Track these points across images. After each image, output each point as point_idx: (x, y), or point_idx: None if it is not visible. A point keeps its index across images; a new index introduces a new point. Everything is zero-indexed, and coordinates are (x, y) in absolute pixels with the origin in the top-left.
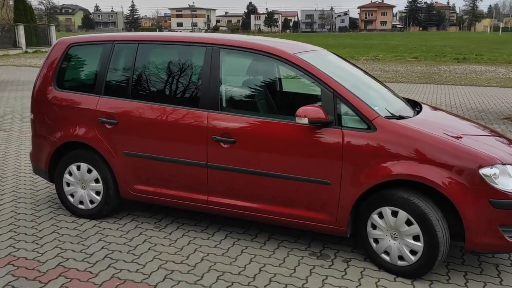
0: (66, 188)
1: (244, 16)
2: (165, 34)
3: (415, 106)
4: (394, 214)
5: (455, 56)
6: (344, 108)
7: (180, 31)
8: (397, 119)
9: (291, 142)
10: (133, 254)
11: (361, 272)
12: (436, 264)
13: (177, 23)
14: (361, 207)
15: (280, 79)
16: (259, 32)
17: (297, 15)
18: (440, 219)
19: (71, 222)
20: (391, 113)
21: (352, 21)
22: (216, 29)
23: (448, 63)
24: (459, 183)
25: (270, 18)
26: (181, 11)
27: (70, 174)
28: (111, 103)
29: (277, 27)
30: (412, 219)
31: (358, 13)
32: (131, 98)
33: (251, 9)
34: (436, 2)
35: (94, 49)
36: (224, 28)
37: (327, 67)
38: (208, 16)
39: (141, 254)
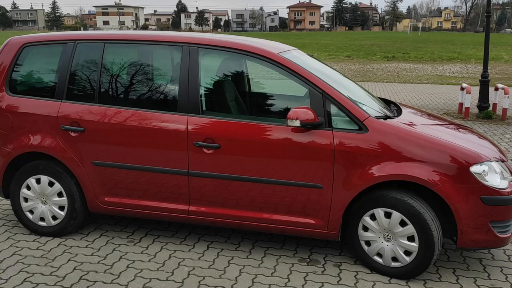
0: (24, 204)
1: (174, 15)
2: (135, 32)
3: (390, 105)
4: (387, 215)
5: (385, 55)
6: (334, 109)
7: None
8: (385, 119)
9: (279, 145)
10: (111, 273)
11: (355, 276)
12: (431, 263)
13: (103, 21)
14: (351, 210)
15: (250, 80)
16: (191, 31)
17: (228, 14)
18: (434, 218)
19: (32, 242)
20: (378, 113)
21: (282, 21)
22: (145, 28)
23: (379, 62)
24: (451, 181)
25: (201, 17)
26: (107, 8)
27: (28, 188)
28: (75, 109)
29: (208, 26)
30: (407, 220)
31: (288, 13)
32: (99, 103)
33: (181, 8)
34: (360, 3)
35: (52, 50)
36: (154, 27)
37: (308, 67)
38: (136, 14)
39: (120, 273)
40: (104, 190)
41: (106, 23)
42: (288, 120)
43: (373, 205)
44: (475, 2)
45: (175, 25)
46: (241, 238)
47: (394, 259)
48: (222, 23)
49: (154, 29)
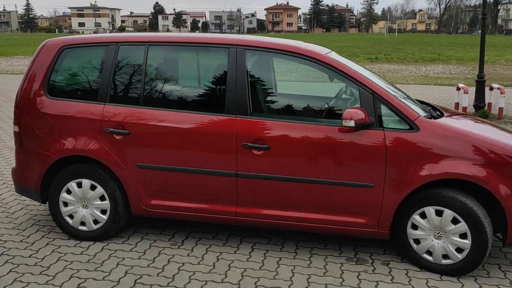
0: (63, 209)
1: (151, 17)
2: (179, 35)
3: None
4: (438, 213)
5: (368, 56)
6: (384, 109)
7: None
8: (434, 118)
9: (329, 145)
10: (164, 276)
11: (406, 274)
12: (484, 260)
13: (79, 23)
14: (401, 208)
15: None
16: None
17: (205, 16)
18: (485, 215)
19: (74, 247)
20: (425, 113)
21: (260, 22)
22: (122, 30)
23: (363, 63)
24: (502, 179)
25: (179, 18)
26: (82, 10)
27: (69, 192)
28: (119, 112)
29: (186, 27)
30: (459, 217)
31: (265, 15)
32: (144, 105)
33: (158, 9)
34: (337, 5)
35: (92, 52)
36: (131, 29)
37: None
38: (112, 16)
39: (174, 275)
40: (148, 193)
41: (81, 24)
42: (343, 121)
43: (423, 204)
44: (448, 4)
45: (153, 26)
46: (282, 239)
47: (445, 256)
48: (200, 24)
49: (131, 31)
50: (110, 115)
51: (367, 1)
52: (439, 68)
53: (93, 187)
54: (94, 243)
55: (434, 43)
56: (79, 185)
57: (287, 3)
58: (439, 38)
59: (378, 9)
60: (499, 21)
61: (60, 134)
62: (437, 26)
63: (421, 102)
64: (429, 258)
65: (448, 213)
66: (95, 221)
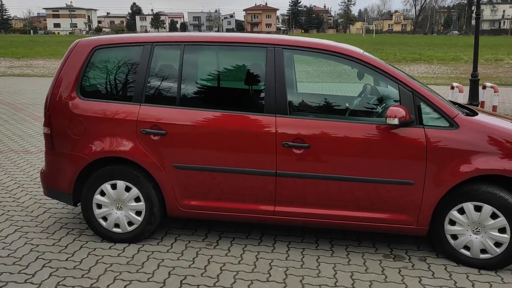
0: (96, 211)
1: (128, 17)
2: (215, 34)
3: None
4: (477, 208)
5: None
6: (424, 107)
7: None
8: (471, 116)
9: (370, 143)
10: (209, 277)
11: (445, 269)
12: None
13: (54, 23)
14: (439, 205)
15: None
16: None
17: (183, 17)
18: None
19: (109, 249)
20: (461, 111)
21: (239, 23)
22: (98, 30)
23: None
24: None
25: (157, 19)
26: (58, 11)
27: (103, 194)
28: (156, 112)
29: (164, 28)
30: (498, 212)
31: (244, 16)
32: (181, 106)
33: (136, 10)
34: (315, 6)
35: (126, 52)
36: (108, 30)
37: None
38: (88, 16)
39: (217, 275)
40: (185, 194)
41: (57, 25)
42: (387, 119)
43: (462, 200)
44: (423, 6)
45: (130, 27)
46: (316, 237)
47: (483, 251)
48: (178, 25)
49: (108, 32)
50: (146, 116)
51: (344, 2)
52: (422, 68)
53: (127, 189)
54: (129, 245)
55: (412, 44)
56: (114, 186)
57: (266, 4)
58: (415, 38)
59: (355, 10)
60: (473, 22)
61: (94, 135)
62: (412, 27)
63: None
64: (467, 253)
65: (488, 209)
66: (130, 223)
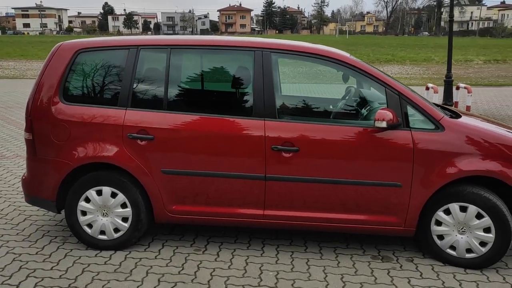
0: (81, 218)
1: (100, 17)
2: (202, 38)
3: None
4: (463, 209)
5: None
6: (410, 110)
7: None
8: (455, 118)
9: (358, 146)
10: (200, 283)
11: (432, 269)
12: (506, 252)
13: (23, 23)
14: (426, 206)
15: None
16: (119, 33)
17: (156, 17)
18: (507, 209)
19: (95, 257)
20: (446, 113)
21: (213, 24)
22: (69, 31)
23: None
24: None
25: (130, 19)
26: (27, 10)
27: (88, 201)
28: (143, 116)
29: (138, 28)
30: (483, 212)
31: (218, 16)
32: (168, 110)
33: (108, 10)
34: (289, 7)
35: (111, 56)
36: (79, 30)
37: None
38: (59, 16)
39: (209, 281)
40: (173, 199)
41: (26, 25)
42: (375, 122)
43: (448, 200)
44: (395, 7)
45: (102, 27)
46: (304, 240)
47: (468, 250)
48: (152, 25)
49: (79, 32)
50: (132, 120)
51: (318, 4)
52: (395, 68)
53: (113, 195)
54: (115, 252)
55: (384, 44)
56: (99, 193)
57: (240, 4)
58: (387, 39)
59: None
60: (442, 23)
61: (79, 140)
62: (384, 28)
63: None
64: (453, 253)
65: (473, 209)
66: (116, 230)
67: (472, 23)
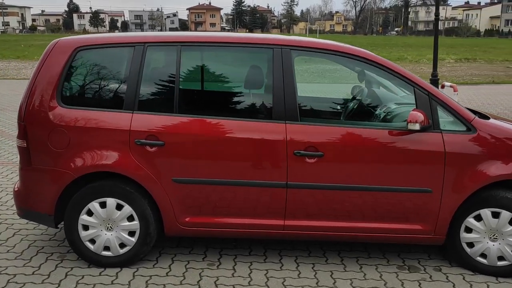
0: (83, 233)
1: (65, 15)
2: (215, 34)
3: None
4: (495, 215)
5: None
6: (440, 111)
7: None
8: (486, 119)
9: (386, 150)
10: None
11: (464, 279)
12: None
13: None
14: (456, 212)
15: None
16: (85, 32)
17: (123, 15)
18: None
19: (100, 275)
20: (477, 114)
21: (182, 23)
22: (33, 29)
23: (297, 63)
24: None
25: (96, 17)
26: None
27: (90, 214)
28: (151, 121)
29: (104, 27)
30: None
31: (188, 15)
32: (179, 113)
33: (73, 8)
34: (258, 6)
35: (114, 54)
36: (43, 28)
37: None
38: (22, 14)
39: None
40: (185, 210)
41: None
42: (409, 124)
43: (479, 206)
44: (363, 7)
45: (67, 26)
46: (323, 250)
47: (500, 258)
48: (119, 24)
49: (43, 31)
50: (140, 125)
51: (287, 3)
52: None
53: (119, 207)
54: (121, 270)
55: (355, 44)
56: (103, 205)
57: (209, 3)
58: (357, 38)
59: (297, 11)
60: (409, 23)
61: (80, 148)
62: (353, 28)
63: None
64: (483, 261)
65: (506, 215)
66: (122, 245)
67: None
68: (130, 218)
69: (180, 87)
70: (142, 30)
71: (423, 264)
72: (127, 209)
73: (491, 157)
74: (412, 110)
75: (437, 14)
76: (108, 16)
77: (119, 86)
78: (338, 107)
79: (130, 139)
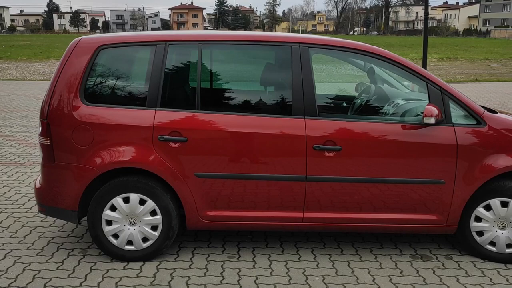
0: (106, 228)
1: (45, 15)
2: (235, 32)
3: None
4: (504, 204)
5: None
6: (452, 105)
7: None
8: (494, 113)
9: (402, 143)
10: None
11: (475, 266)
12: None
13: None
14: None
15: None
16: (65, 32)
17: (104, 15)
18: None
19: (124, 269)
20: (485, 108)
21: (165, 22)
22: (12, 30)
23: None
24: None
25: (76, 17)
26: None
27: (113, 209)
28: (174, 117)
29: (85, 27)
30: None
31: (170, 15)
32: (201, 109)
33: (53, 8)
34: (241, 5)
35: (136, 52)
36: (22, 29)
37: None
38: (0, 15)
39: None
40: (207, 204)
41: None
42: (424, 118)
43: (489, 196)
44: (344, 7)
45: (47, 26)
46: (336, 242)
47: (509, 245)
48: (100, 24)
49: (23, 31)
50: (163, 122)
51: (270, 3)
52: (345, 65)
53: (142, 202)
54: (144, 263)
55: None
56: (126, 200)
57: (192, 3)
58: (340, 38)
59: (279, 11)
60: (390, 22)
61: (104, 144)
62: (335, 28)
63: None
64: (493, 248)
65: None
66: (144, 239)
67: (417, 23)
68: (153, 213)
69: (202, 84)
70: (124, 30)
71: (435, 253)
72: (150, 204)
73: (500, 149)
74: (427, 105)
75: (426, 13)
76: (89, 16)
77: (142, 83)
78: (351, 103)
79: (154, 136)
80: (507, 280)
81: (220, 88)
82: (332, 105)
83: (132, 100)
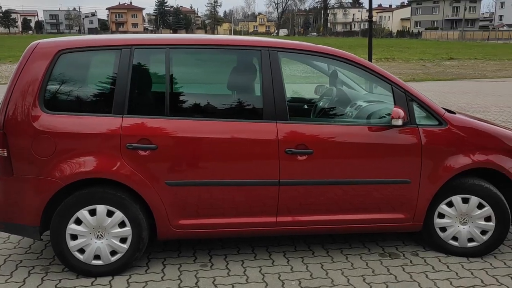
0: (71, 243)
1: None
2: (203, 36)
3: None
4: (465, 200)
5: None
6: (415, 107)
7: None
8: (453, 114)
9: (370, 145)
10: None
11: (440, 261)
12: (505, 238)
13: None
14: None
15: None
16: None
17: (37, 15)
18: (504, 199)
19: (91, 285)
20: (444, 109)
21: (102, 22)
22: None
23: None
24: None
25: (7, 17)
26: None
27: (79, 222)
28: (143, 124)
29: (17, 27)
30: (484, 203)
31: (107, 15)
32: (170, 116)
33: None
34: (182, 6)
35: (100, 57)
36: None
37: None
38: None
39: None
40: (179, 213)
41: None
42: (392, 120)
43: (451, 193)
44: (285, 9)
45: None
46: (307, 244)
47: (470, 240)
48: (32, 24)
49: None
50: (131, 129)
51: (211, 4)
52: (300, 67)
53: (109, 213)
54: (113, 278)
55: None
56: (92, 212)
57: (131, 3)
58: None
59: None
60: (328, 24)
61: (67, 155)
62: (276, 29)
63: None
64: (455, 243)
65: (475, 200)
66: (113, 252)
67: (354, 24)
68: (122, 225)
69: (171, 89)
70: (58, 30)
71: (401, 251)
72: (119, 215)
73: (461, 147)
74: (394, 107)
75: (370, 16)
76: (21, 16)
77: (107, 89)
78: (315, 105)
79: (121, 144)
80: (472, 273)
81: (190, 93)
82: (298, 108)
83: (96, 107)
